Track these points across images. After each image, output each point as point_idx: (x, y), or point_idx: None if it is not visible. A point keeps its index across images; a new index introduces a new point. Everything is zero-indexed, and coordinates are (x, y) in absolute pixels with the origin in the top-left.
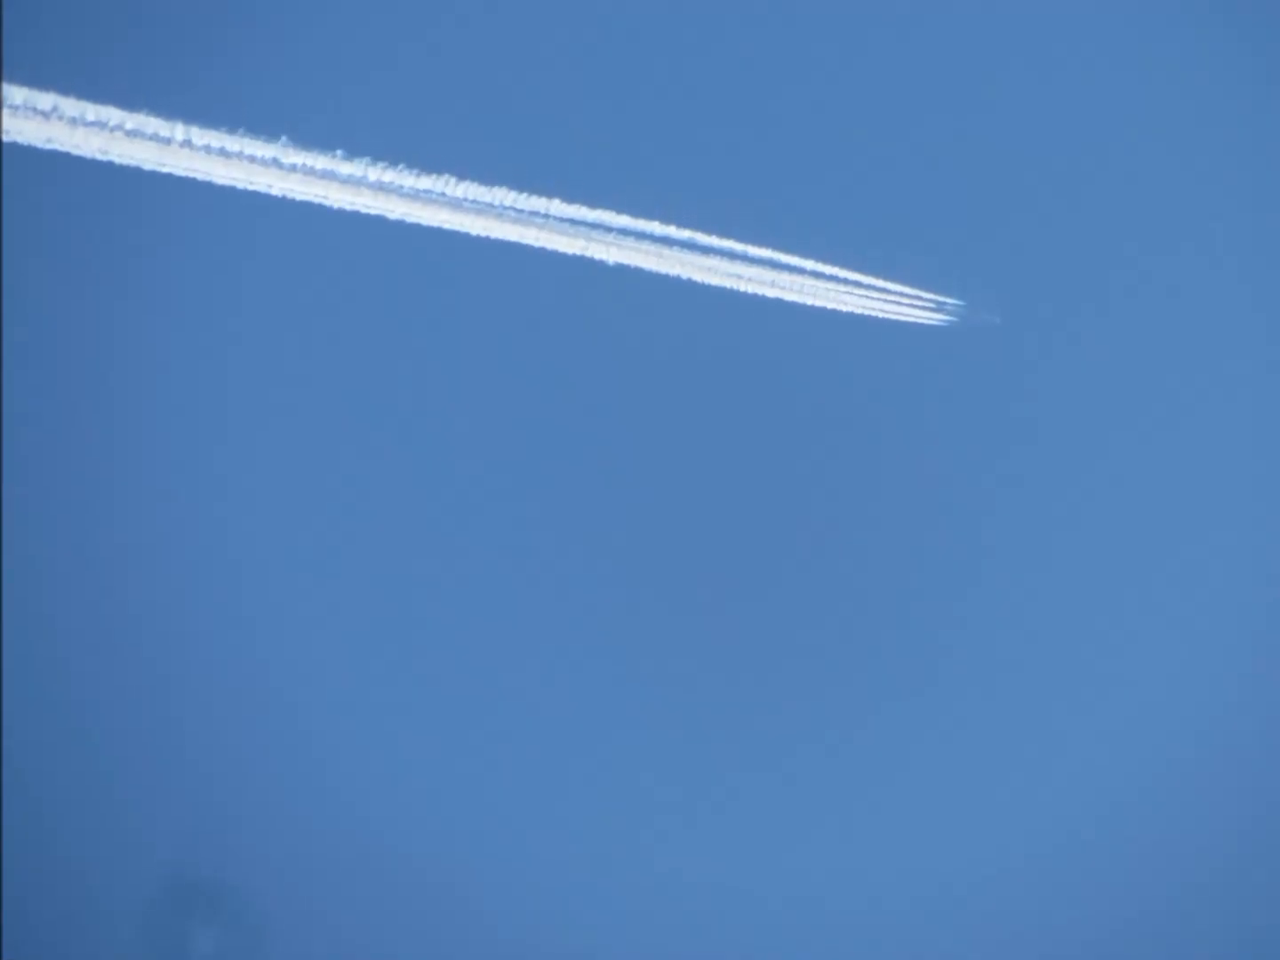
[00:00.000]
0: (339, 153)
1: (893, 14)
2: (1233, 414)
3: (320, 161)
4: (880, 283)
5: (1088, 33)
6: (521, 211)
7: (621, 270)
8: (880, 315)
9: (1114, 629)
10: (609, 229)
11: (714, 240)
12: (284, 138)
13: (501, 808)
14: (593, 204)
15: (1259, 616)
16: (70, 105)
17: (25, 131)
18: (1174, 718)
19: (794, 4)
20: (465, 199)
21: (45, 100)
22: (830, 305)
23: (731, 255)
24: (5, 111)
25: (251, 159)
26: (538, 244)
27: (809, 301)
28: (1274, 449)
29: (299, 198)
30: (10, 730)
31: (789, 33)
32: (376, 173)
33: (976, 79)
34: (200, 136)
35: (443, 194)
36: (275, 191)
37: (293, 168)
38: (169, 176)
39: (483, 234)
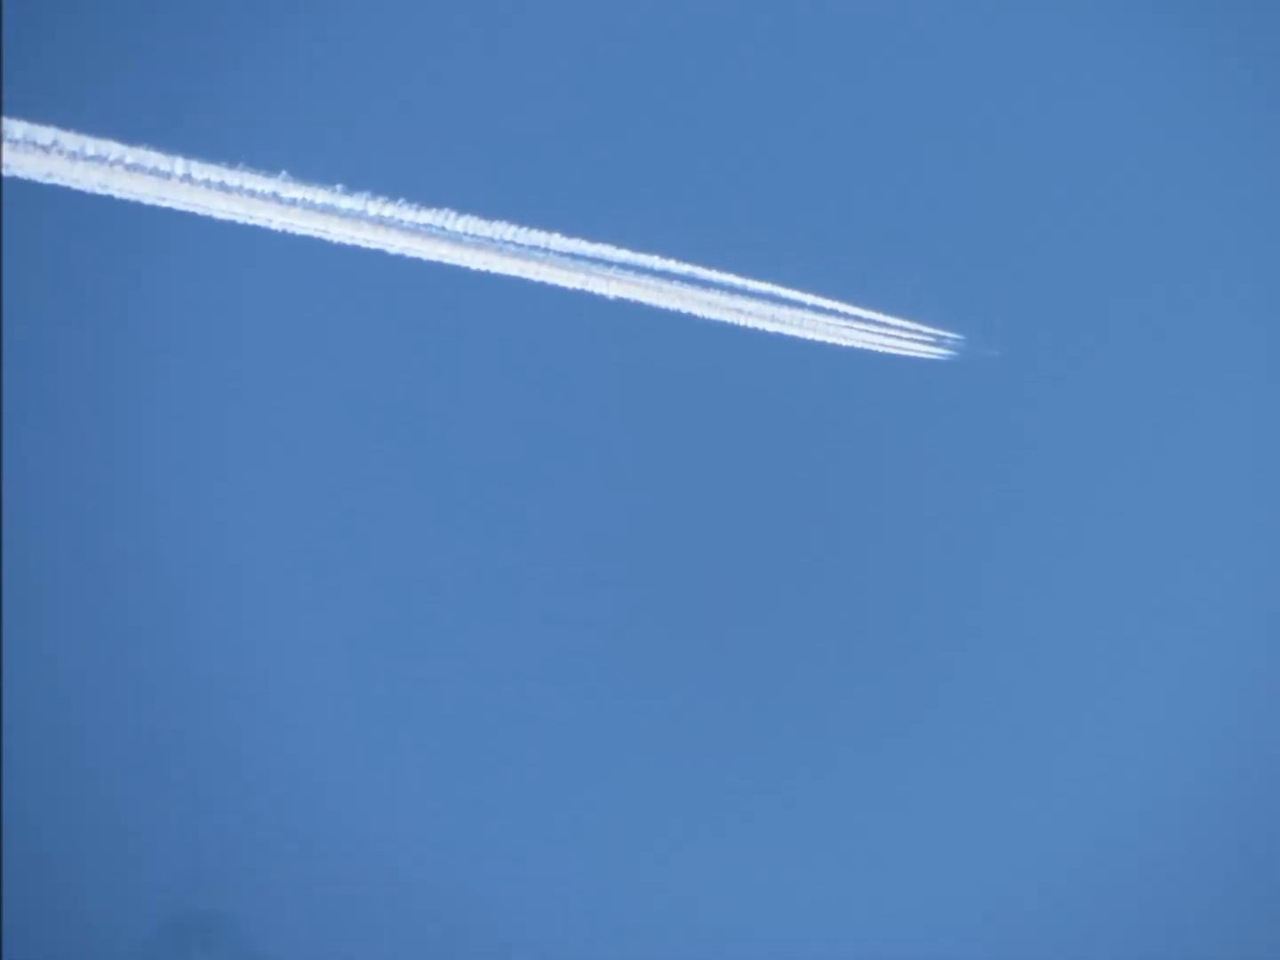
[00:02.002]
0: (339, 187)
1: (892, 54)
2: (1231, 447)
3: (320, 196)
4: (880, 317)
5: (1086, 75)
6: (522, 246)
7: (622, 304)
8: (880, 349)
9: (1113, 658)
10: (609, 263)
11: (714, 275)
12: (284, 172)
13: (503, 837)
14: (593, 238)
15: (1258, 642)
16: (70, 140)
17: (25, 166)
18: (1177, 743)
19: (793, 43)
20: (466, 233)
21: (45, 135)
22: (831, 339)
23: (732, 290)
24: (5, 146)
25: (252, 193)
26: (538, 278)
27: (810, 336)
28: (1272, 482)
29: (299, 232)
30: (11, 765)
31: (789, 71)
32: (377, 207)
33: (977, 118)
34: (200, 171)
35: (443, 228)
36: (276, 226)
37: (293, 202)
38: (169, 211)
39: (483, 268)
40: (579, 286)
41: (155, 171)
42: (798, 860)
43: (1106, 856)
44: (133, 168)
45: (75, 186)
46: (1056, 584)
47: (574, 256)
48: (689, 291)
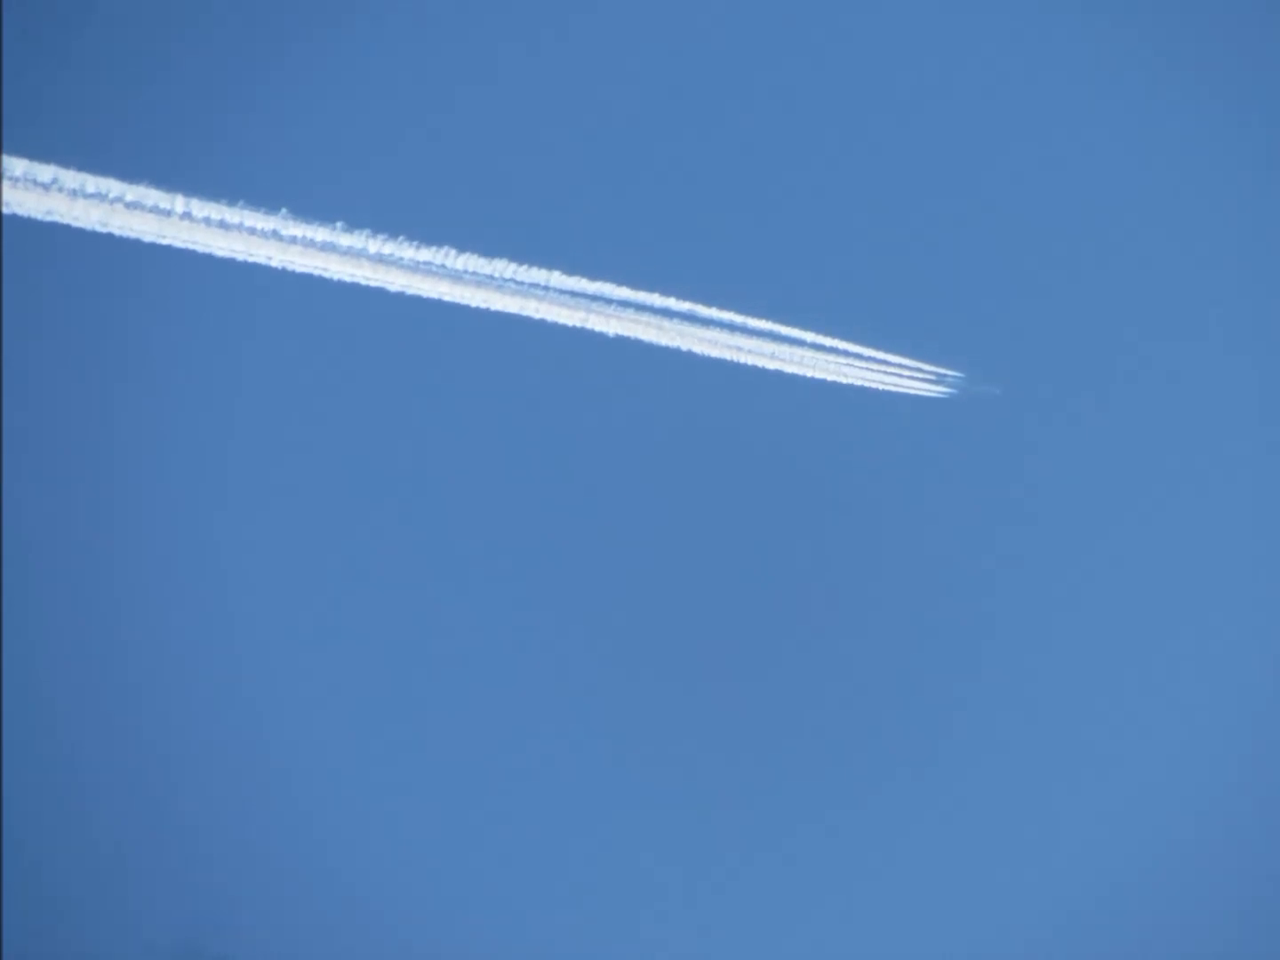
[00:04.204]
0: (339, 225)
1: (892, 93)
2: (1234, 482)
3: (320, 234)
4: (881, 354)
5: (1088, 115)
6: (522, 284)
7: (622, 342)
8: (881, 387)
9: (1113, 710)
10: (609, 301)
11: (714, 313)
12: (284, 210)
13: (502, 888)
14: (593, 276)
15: (1259, 698)
16: (70, 177)
17: (25, 203)
18: (1172, 806)
19: (792, 83)
20: (466, 271)
21: (45, 172)
22: (831, 377)
23: (732, 327)
24: (5, 183)
25: (252, 231)
26: (538, 316)
27: (810, 373)
28: (1274, 530)
29: (299, 270)
30: (11, 799)
31: (789, 111)
32: (377, 245)
33: (977, 158)
34: (200, 209)
35: (443, 266)
36: (275, 263)
37: (293, 240)
38: (169, 248)
39: (483, 306)
40: (579, 324)
41: (155, 209)
42: (795, 922)
43: (1104, 923)
44: (132, 205)
45: (75, 224)
46: (1059, 620)
47: (574, 294)
48: (689, 329)
